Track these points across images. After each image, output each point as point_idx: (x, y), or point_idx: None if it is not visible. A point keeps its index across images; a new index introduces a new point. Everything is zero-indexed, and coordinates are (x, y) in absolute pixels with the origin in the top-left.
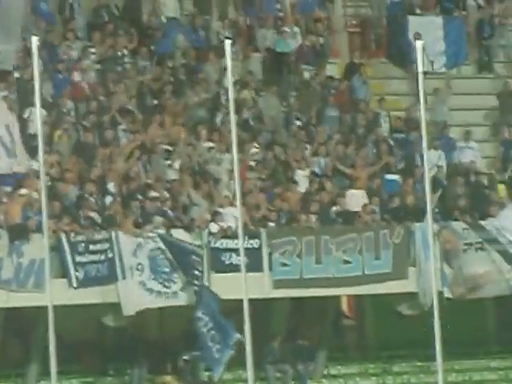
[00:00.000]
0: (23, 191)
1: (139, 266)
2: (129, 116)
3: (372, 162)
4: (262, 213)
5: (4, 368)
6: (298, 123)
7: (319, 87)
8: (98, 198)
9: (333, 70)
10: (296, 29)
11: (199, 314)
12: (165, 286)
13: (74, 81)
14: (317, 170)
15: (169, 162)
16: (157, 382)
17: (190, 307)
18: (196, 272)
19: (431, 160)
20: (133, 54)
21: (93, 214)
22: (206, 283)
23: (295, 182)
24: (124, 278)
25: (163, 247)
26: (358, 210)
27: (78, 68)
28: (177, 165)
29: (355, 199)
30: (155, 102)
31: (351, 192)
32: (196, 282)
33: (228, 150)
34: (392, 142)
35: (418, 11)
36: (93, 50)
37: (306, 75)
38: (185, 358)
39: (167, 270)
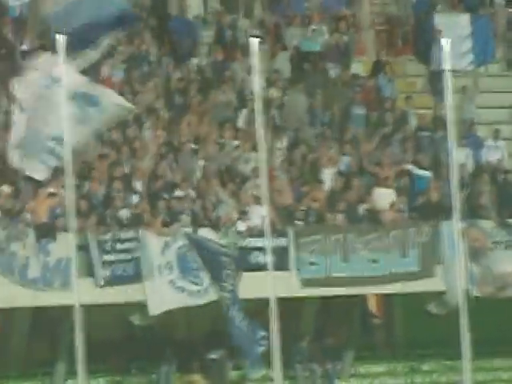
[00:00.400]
0: (50, 190)
1: (168, 265)
2: (155, 114)
3: (399, 160)
4: (288, 211)
5: (31, 367)
6: (325, 121)
7: (345, 85)
8: (125, 197)
9: (359, 68)
10: (323, 27)
11: (233, 312)
12: (194, 284)
13: (100, 79)
14: (343, 168)
15: (195, 160)
16: (184, 381)
17: (216, 305)
18: (227, 271)
19: (458, 158)
20: (159, 52)
21: (119, 213)
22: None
23: (322, 181)
24: (151, 277)
25: (190, 245)
26: (385, 209)
27: (104, 66)
28: (203, 163)
29: (382, 197)
30: (182, 100)
31: (378, 190)
32: (227, 282)
33: (255, 148)
34: (419, 140)
35: (443, 9)
36: (120, 48)
37: (332, 73)
38: (212, 356)
39: (195, 267)
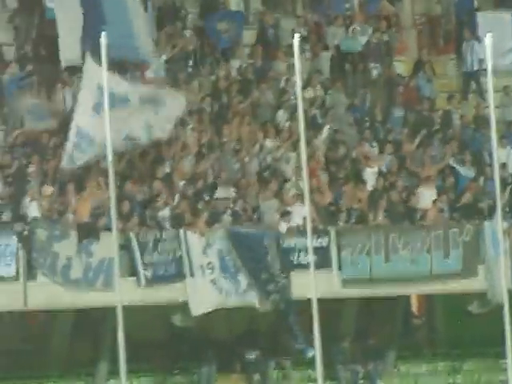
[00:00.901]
0: (92, 191)
1: (209, 265)
2: (197, 115)
3: (441, 159)
4: (330, 211)
5: (74, 367)
6: (366, 121)
7: (387, 85)
8: (167, 197)
9: (401, 67)
10: (366, 26)
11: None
12: (233, 285)
13: (143, 80)
14: (384, 168)
15: (237, 160)
16: (224, 381)
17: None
18: (276, 270)
19: (500, 158)
20: (201, 53)
21: (161, 213)
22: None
23: (364, 181)
24: (192, 277)
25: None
26: (428, 208)
27: (146, 67)
28: (245, 163)
29: (424, 197)
30: (224, 100)
31: (420, 190)
32: (273, 282)
33: (296, 148)
34: (462, 139)
35: (485, 7)
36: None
37: (374, 73)
38: (249, 356)
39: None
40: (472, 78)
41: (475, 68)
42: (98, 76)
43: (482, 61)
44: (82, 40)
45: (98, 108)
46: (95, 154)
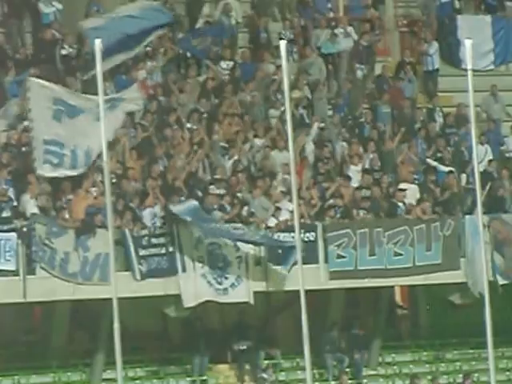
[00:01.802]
0: (87, 188)
1: (200, 259)
2: (189, 114)
3: (423, 156)
4: (316, 207)
5: (72, 358)
6: (351, 120)
7: (371, 85)
8: (160, 194)
9: (384, 68)
10: (350, 28)
11: None
12: (218, 282)
13: (137, 81)
14: (368, 165)
15: (227, 158)
16: (215, 371)
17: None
18: None
19: (479, 154)
20: (190, 54)
21: (154, 209)
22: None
23: (348, 177)
24: (184, 270)
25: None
26: (410, 204)
27: (140, 68)
28: (234, 161)
29: (406, 193)
30: (213, 100)
31: (402, 186)
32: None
33: (283, 146)
34: (443, 137)
35: (465, 11)
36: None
37: (359, 74)
38: (240, 347)
39: (222, 265)
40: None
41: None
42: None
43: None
44: None
45: (58, 117)
46: (84, 163)
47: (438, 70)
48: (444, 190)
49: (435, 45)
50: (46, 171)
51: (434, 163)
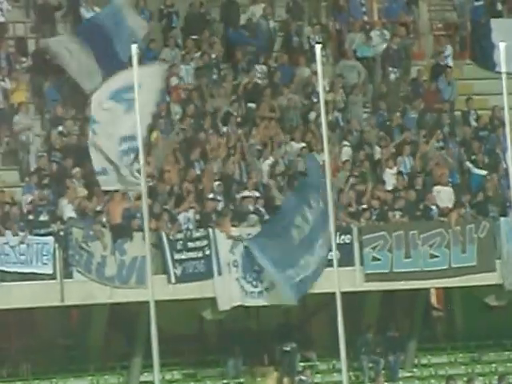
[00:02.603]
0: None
1: (235, 263)
2: (225, 118)
3: (458, 159)
4: (352, 210)
5: (109, 361)
6: (386, 123)
7: (406, 88)
8: (196, 197)
9: (419, 72)
10: (385, 32)
11: None
12: (253, 286)
13: (172, 85)
14: (403, 168)
15: (263, 161)
16: (254, 373)
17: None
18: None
19: None
20: (228, 58)
21: (191, 213)
22: None
23: (384, 180)
24: (220, 274)
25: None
26: (445, 206)
27: (175, 73)
28: (271, 165)
29: (441, 195)
30: (250, 104)
31: (437, 189)
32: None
33: (320, 149)
34: (478, 140)
35: (500, 14)
36: (190, 56)
37: (392, 77)
38: (285, 348)
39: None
40: None
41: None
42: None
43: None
44: None
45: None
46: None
47: None
48: (479, 193)
49: (449, 48)
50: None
51: (470, 165)
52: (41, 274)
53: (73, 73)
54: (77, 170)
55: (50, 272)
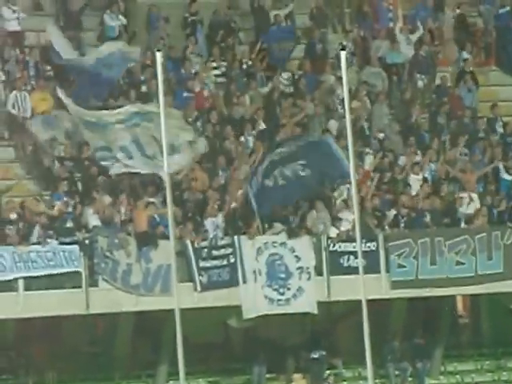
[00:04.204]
0: (148, 200)
1: (260, 271)
2: (251, 126)
3: (484, 165)
4: (378, 216)
5: (135, 369)
6: (412, 130)
7: (431, 95)
8: (221, 205)
9: (443, 78)
10: (412, 36)
11: None
12: (279, 293)
13: (196, 93)
14: (428, 175)
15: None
16: (283, 381)
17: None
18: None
19: None
20: (252, 66)
21: (215, 220)
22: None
23: (409, 187)
24: (245, 282)
25: (281, 253)
26: (471, 213)
27: (199, 81)
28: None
29: (468, 202)
30: (275, 112)
31: (464, 195)
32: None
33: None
34: (504, 146)
35: None
36: (214, 64)
37: (420, 84)
38: (314, 356)
39: (283, 276)
40: None
41: None
42: None
43: None
44: None
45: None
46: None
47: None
48: (505, 199)
49: (465, 54)
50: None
51: (500, 171)
52: (66, 282)
53: None
54: (102, 178)
55: (76, 280)
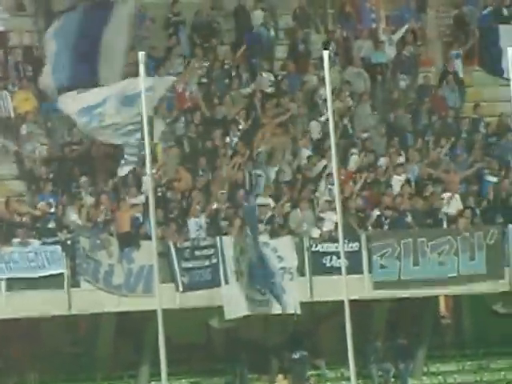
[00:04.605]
0: (132, 201)
1: (242, 271)
2: (233, 126)
3: (467, 166)
4: (360, 217)
5: (117, 369)
6: (394, 130)
7: (414, 95)
8: (204, 205)
9: (426, 78)
10: (394, 36)
11: None
12: (261, 294)
13: (178, 93)
14: (411, 175)
15: (271, 169)
16: (264, 381)
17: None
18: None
19: None
20: (235, 67)
21: (198, 221)
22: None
23: (391, 188)
24: (227, 282)
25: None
26: (453, 213)
27: (181, 81)
28: (278, 172)
29: (450, 203)
30: (257, 112)
31: (446, 196)
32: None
33: (326, 157)
34: (487, 146)
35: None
36: (196, 64)
37: (402, 84)
38: (294, 356)
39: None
40: None
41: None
42: None
43: None
44: None
45: None
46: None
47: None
48: (487, 200)
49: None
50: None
51: (482, 172)
52: (48, 283)
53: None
54: (84, 178)
55: (58, 280)
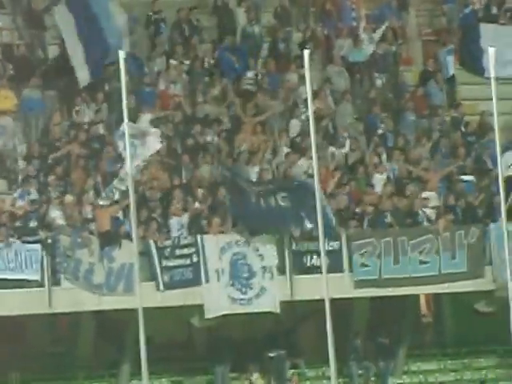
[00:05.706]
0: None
1: (222, 270)
2: (214, 124)
3: (447, 164)
4: (341, 216)
5: (98, 368)
6: (375, 129)
7: (394, 94)
8: (184, 204)
9: (408, 77)
10: (374, 35)
11: None
12: (242, 293)
13: (159, 92)
14: (392, 174)
15: (251, 167)
16: (243, 380)
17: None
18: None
19: (506, 161)
20: (215, 65)
21: (178, 220)
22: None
23: (372, 186)
24: (208, 281)
25: (245, 252)
26: (434, 212)
27: (163, 80)
28: (259, 170)
29: (431, 202)
30: (238, 110)
31: (426, 195)
32: None
33: (308, 155)
34: (466, 145)
35: (488, 20)
36: (175, 62)
37: (379, 83)
38: (271, 355)
39: (246, 275)
40: None
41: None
42: None
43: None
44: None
45: None
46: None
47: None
48: (468, 199)
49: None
50: None
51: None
52: (29, 281)
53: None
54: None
55: (38, 279)
